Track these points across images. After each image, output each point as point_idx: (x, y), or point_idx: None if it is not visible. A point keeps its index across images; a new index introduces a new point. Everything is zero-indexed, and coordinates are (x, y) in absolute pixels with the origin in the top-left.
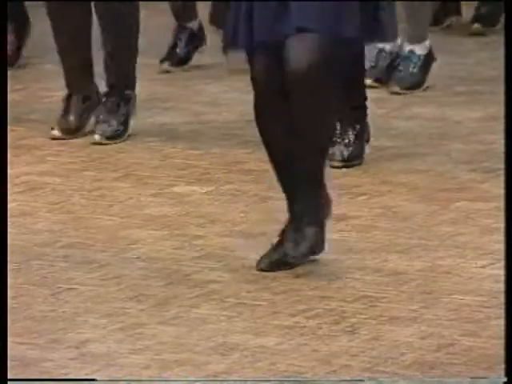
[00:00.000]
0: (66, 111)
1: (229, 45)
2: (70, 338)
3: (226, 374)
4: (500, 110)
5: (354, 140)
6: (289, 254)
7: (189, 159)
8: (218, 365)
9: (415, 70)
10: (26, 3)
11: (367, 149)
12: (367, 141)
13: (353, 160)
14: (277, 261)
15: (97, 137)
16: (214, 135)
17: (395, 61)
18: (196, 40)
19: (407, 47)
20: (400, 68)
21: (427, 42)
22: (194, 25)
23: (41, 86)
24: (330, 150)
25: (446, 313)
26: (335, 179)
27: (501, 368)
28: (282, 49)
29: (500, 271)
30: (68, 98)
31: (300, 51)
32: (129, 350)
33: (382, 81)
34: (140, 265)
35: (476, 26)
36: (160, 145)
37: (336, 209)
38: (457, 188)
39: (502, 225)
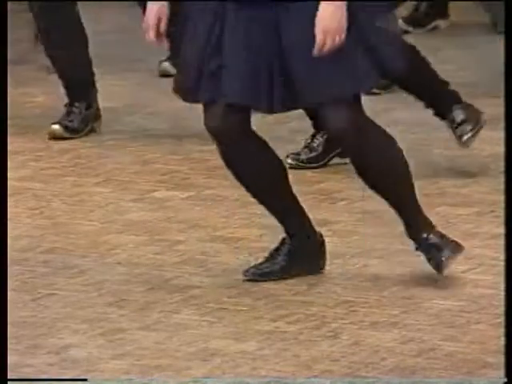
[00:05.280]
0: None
1: (187, 97)
2: (51, 343)
3: (207, 379)
4: None
5: (318, 145)
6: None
7: (169, 164)
8: (199, 370)
9: None
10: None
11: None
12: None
13: (311, 163)
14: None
15: (55, 126)
16: (195, 140)
17: None
18: None
19: None
20: None
21: None
22: None
23: (21, 91)
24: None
25: (427, 318)
26: (316, 184)
27: (481, 373)
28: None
29: (480, 276)
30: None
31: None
32: (109, 355)
33: None
34: (121, 270)
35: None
36: (141, 150)
37: (317, 214)
38: (437, 193)
39: (482, 230)
